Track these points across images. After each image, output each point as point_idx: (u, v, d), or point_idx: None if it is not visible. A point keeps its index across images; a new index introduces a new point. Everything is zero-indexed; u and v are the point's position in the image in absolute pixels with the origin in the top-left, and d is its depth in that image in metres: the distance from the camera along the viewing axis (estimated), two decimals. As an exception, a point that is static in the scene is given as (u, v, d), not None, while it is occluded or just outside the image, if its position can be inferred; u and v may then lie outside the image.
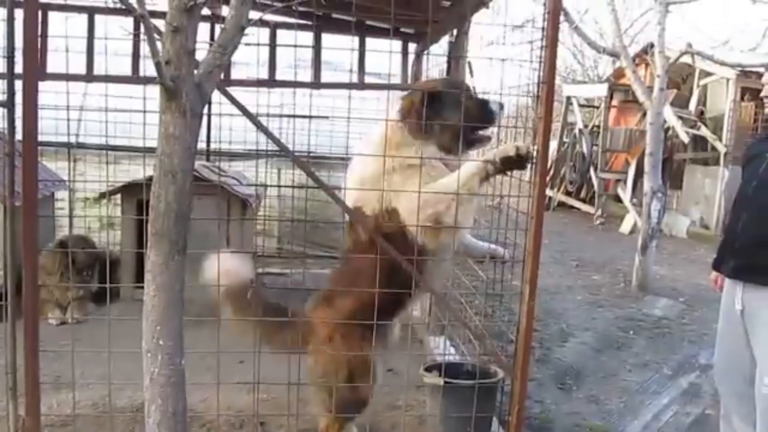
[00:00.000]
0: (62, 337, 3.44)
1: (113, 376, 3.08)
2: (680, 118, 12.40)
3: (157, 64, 1.99)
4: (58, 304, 5.21)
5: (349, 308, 2.97)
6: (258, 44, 2.74)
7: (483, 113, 3.02)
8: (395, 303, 2.97)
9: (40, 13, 5.58)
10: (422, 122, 2.88)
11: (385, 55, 5.53)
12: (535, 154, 2.73)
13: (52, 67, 5.80)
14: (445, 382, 3.01)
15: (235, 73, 6.10)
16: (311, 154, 6.41)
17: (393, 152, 2.90)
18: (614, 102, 14.48)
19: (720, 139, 12.24)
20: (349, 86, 6.02)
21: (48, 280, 5.08)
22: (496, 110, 3.05)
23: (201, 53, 2.23)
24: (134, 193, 5.27)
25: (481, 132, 3.07)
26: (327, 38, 6.36)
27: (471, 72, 4.60)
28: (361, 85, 6.02)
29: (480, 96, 3.14)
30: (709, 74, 12.55)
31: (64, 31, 5.35)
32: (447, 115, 2.93)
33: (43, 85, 4.93)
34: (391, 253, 2.78)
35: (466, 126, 2.89)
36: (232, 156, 6.72)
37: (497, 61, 3.06)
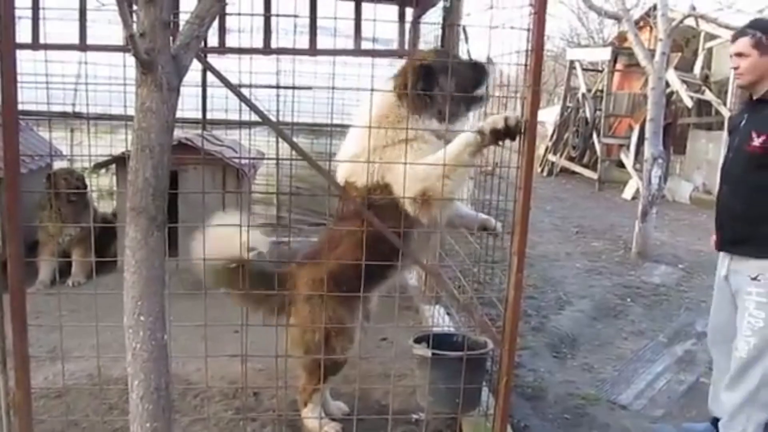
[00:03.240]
0: (58, 307, 3.44)
1: (110, 346, 3.10)
2: (684, 82, 12.25)
3: (131, 37, 1.95)
4: (55, 242, 5.35)
5: (330, 271, 2.98)
6: (241, 13, 2.67)
7: (475, 73, 3.09)
8: (378, 273, 2.98)
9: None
10: (420, 95, 2.93)
11: (382, 21, 5.47)
12: (524, 123, 2.69)
13: (46, 36, 5.76)
14: (433, 354, 3.01)
15: (231, 41, 6.06)
16: (308, 123, 6.40)
17: (388, 125, 2.94)
18: (618, 66, 14.29)
19: (724, 104, 12.08)
20: (344, 53, 5.97)
21: (42, 217, 5.23)
22: (486, 67, 3.10)
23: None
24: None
25: (476, 92, 3.10)
26: (324, 3, 6.27)
27: (466, 38, 4.52)
28: (356, 52, 5.94)
29: (469, 58, 3.22)
30: (714, 37, 12.35)
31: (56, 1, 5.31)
32: (442, 84, 2.97)
33: (36, 55, 4.90)
34: (377, 226, 2.77)
35: (462, 90, 2.94)
36: (228, 124, 6.68)
37: (491, 26, 3.02)
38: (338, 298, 2.98)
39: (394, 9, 6.26)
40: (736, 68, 3.22)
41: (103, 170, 5.91)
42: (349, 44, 6.20)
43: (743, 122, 3.22)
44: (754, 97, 3.21)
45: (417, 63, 3.03)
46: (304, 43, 6.10)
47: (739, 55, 3.17)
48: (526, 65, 2.65)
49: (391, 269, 3.01)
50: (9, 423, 2.75)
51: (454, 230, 3.61)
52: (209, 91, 6.51)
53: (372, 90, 2.86)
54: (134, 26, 2.01)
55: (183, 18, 2.18)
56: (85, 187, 5.50)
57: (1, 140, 2.48)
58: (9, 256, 2.52)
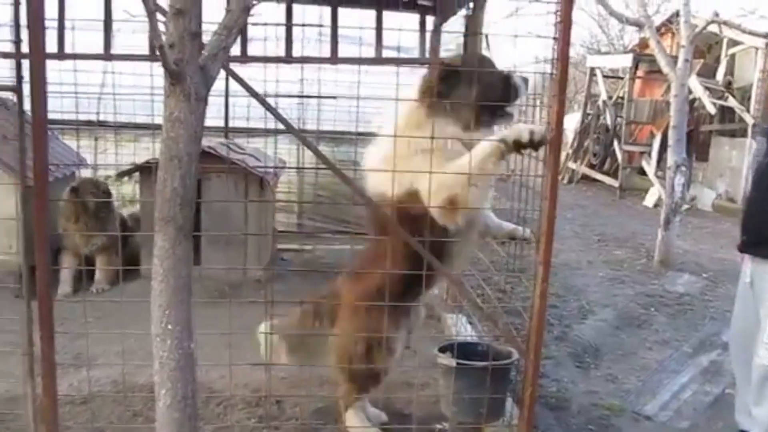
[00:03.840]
0: (84, 314, 3.47)
1: (134, 353, 3.13)
2: (707, 88, 12.13)
3: (160, 48, 1.96)
4: (80, 252, 5.31)
5: (374, 285, 2.98)
6: (266, 23, 2.69)
7: (505, 89, 2.96)
8: (418, 282, 2.97)
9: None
10: (441, 102, 2.86)
11: (400, 29, 5.49)
12: (548, 134, 2.67)
13: (70, 46, 5.84)
14: (458, 364, 2.99)
15: (252, 49, 6.10)
16: (330, 131, 6.42)
17: (412, 131, 2.86)
18: (639, 72, 14.19)
19: (748, 110, 11.95)
20: (365, 61, 5.98)
21: (66, 227, 5.25)
22: (520, 84, 2.98)
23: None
24: (152, 172, 5.29)
25: (505, 109, 3.00)
26: (345, 12, 6.30)
27: (488, 46, 4.52)
28: (378, 60, 5.95)
29: (502, 70, 3.05)
30: (737, 43, 12.23)
31: (81, 11, 5.37)
32: (466, 92, 2.87)
33: (63, 65, 4.97)
34: (405, 238, 2.78)
35: (488, 100, 2.85)
36: (250, 132, 6.72)
37: (513, 35, 3.00)
38: (382, 310, 2.94)
39: (415, 17, 6.28)
40: None
41: (126, 178, 5.97)
42: (371, 52, 6.22)
43: None
44: None
45: (441, 68, 2.96)
46: (325, 51, 6.13)
47: None
48: (552, 74, 2.63)
49: (431, 279, 3.01)
50: (36, 430, 2.78)
51: (482, 240, 3.59)
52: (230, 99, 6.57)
53: (396, 99, 2.84)
54: (163, 37, 2.03)
55: (206, 28, 2.19)
56: (110, 196, 5.53)
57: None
58: (37, 264, 2.55)
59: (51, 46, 5.49)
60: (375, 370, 3.07)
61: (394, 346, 3.10)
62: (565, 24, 2.56)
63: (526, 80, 3.02)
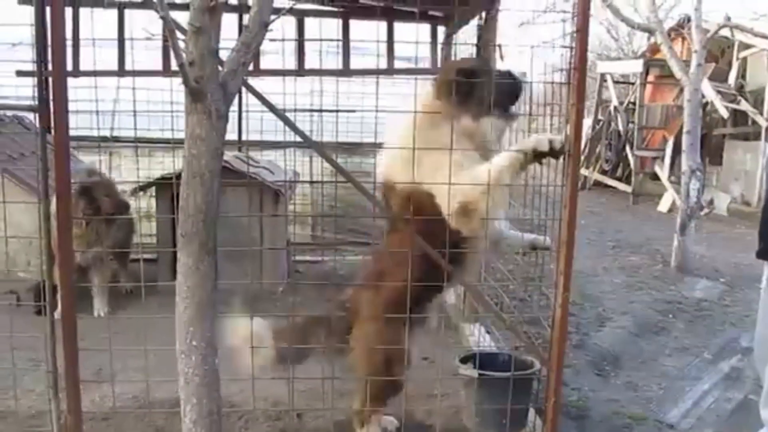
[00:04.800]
0: (103, 330, 3.49)
1: (154, 368, 3.14)
2: (719, 92, 12.08)
3: (181, 66, 1.98)
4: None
5: (388, 292, 3.00)
6: (283, 38, 2.71)
7: (511, 83, 3.06)
8: (432, 288, 2.99)
9: (70, 9, 5.69)
10: (458, 98, 2.93)
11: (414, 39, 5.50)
12: (567, 143, 2.68)
13: (84, 62, 5.89)
14: (480, 375, 2.99)
15: (264, 63, 6.13)
16: (343, 142, 6.43)
17: (427, 129, 2.90)
18: (650, 78, 14.15)
19: (761, 113, 11.88)
20: (377, 72, 6.01)
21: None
22: (519, 77, 3.10)
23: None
24: (168, 186, 5.31)
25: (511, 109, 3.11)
26: (355, 24, 6.32)
27: (501, 56, 4.52)
28: (390, 71, 5.97)
29: (504, 70, 3.18)
30: (748, 47, 12.17)
31: (94, 27, 5.42)
32: (478, 88, 2.97)
33: (77, 81, 5.02)
34: (421, 245, 2.79)
35: (496, 99, 2.92)
36: (264, 145, 6.74)
37: (527, 44, 3.03)
38: (399, 321, 2.95)
39: (426, 28, 6.29)
40: None
41: (141, 193, 5.99)
42: (383, 64, 6.23)
43: None
44: None
45: (455, 65, 3.08)
46: (337, 63, 6.15)
47: None
48: (569, 83, 2.64)
49: (443, 286, 3.03)
50: (61, 446, 2.80)
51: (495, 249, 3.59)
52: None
53: (413, 111, 2.86)
54: (183, 55, 2.05)
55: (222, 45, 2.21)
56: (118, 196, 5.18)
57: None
58: (60, 282, 2.57)
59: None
60: (395, 382, 3.06)
61: (411, 356, 3.10)
62: (581, 33, 2.56)
63: (524, 74, 3.13)
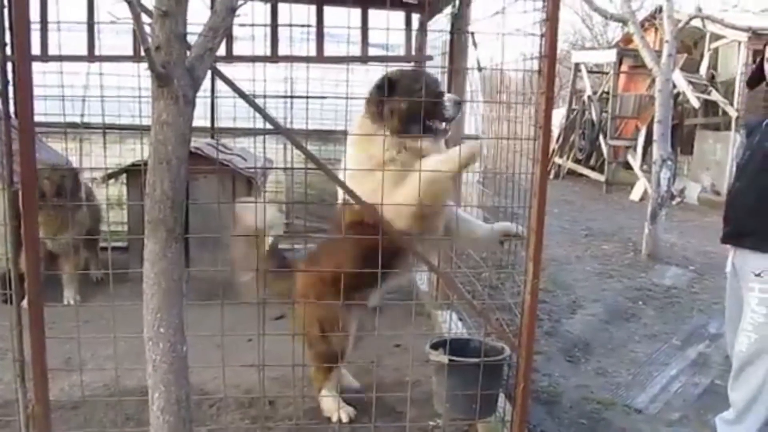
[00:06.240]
0: (72, 318, 3.45)
1: (125, 356, 3.11)
2: (691, 82, 12.22)
3: (147, 51, 1.95)
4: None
5: (322, 276, 3.24)
6: (253, 24, 2.68)
7: (435, 107, 3.06)
8: (371, 280, 3.09)
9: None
10: (380, 111, 3.07)
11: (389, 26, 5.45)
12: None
13: (54, 47, 5.78)
14: (450, 361, 3.00)
15: (237, 49, 6.06)
16: (317, 130, 6.40)
17: (367, 147, 3.06)
18: (623, 67, 14.26)
19: (731, 104, 12.05)
20: (350, 59, 5.98)
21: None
22: (449, 107, 3.09)
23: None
24: (139, 174, 5.23)
25: (436, 124, 3.13)
26: (330, 11, 6.27)
27: (474, 44, 4.53)
28: (363, 58, 5.94)
29: (439, 90, 3.22)
30: (719, 37, 12.32)
31: (63, 11, 5.32)
32: (401, 102, 3.03)
33: (45, 66, 4.91)
34: (393, 237, 2.85)
35: (418, 114, 2.92)
36: (236, 132, 6.69)
37: (500, 32, 3.03)
38: (331, 298, 3.12)
39: (400, 15, 6.26)
40: None
41: (112, 180, 5.91)
42: (357, 51, 6.20)
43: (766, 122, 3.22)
44: None
45: (380, 79, 3.14)
46: (311, 49, 6.10)
47: None
48: (539, 71, 2.65)
49: (386, 276, 3.12)
50: (28, 435, 2.76)
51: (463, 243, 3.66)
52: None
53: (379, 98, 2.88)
54: (149, 40, 2.02)
55: (190, 30, 2.18)
56: (78, 184, 5.08)
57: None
58: (26, 269, 2.54)
59: (34, 48, 5.46)
60: (333, 349, 3.32)
61: (350, 326, 3.33)
62: (551, 21, 2.57)
63: (459, 103, 3.15)
